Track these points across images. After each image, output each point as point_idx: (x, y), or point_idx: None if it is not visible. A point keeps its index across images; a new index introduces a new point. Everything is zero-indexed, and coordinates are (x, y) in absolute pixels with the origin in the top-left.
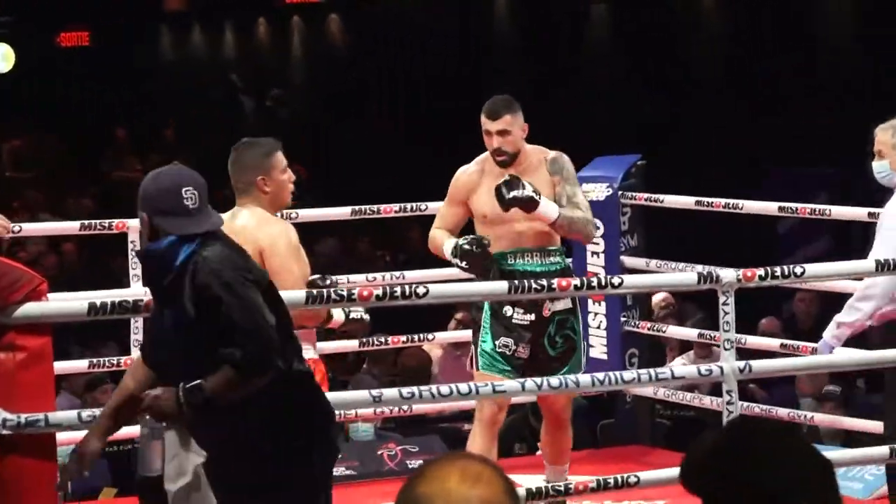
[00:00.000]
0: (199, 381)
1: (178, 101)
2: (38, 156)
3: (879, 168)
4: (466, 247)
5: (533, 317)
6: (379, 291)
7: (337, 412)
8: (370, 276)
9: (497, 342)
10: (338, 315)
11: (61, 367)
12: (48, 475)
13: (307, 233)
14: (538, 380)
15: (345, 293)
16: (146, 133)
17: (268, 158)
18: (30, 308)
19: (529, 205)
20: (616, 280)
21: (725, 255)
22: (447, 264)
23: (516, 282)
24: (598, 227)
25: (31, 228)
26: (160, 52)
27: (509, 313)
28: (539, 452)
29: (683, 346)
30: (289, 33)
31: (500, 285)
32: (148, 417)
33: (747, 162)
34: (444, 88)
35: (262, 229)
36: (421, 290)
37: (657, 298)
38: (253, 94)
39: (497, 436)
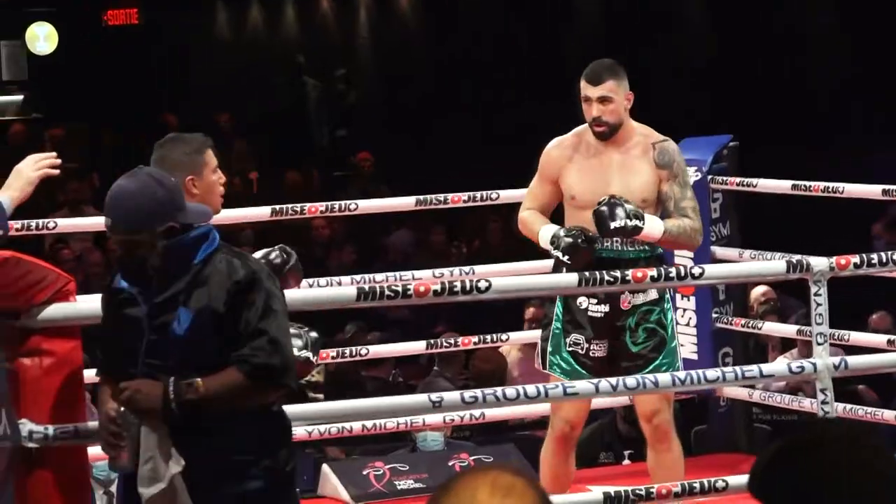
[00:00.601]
0: (194, 378)
1: (234, 84)
2: (82, 145)
3: None
4: (570, 240)
5: (607, 308)
6: (437, 286)
7: (403, 420)
8: (437, 271)
9: (568, 340)
10: None
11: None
12: (80, 492)
13: (377, 224)
14: (612, 380)
15: (400, 289)
16: (199, 120)
17: (198, 156)
18: (56, 309)
19: (633, 234)
20: (697, 270)
21: (829, 244)
22: (527, 256)
23: (587, 274)
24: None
25: (66, 224)
26: (215, 30)
27: (584, 305)
28: (626, 462)
29: (787, 345)
30: (355, 7)
31: (570, 278)
32: (122, 410)
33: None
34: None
35: None
36: (482, 284)
37: (756, 293)
38: (317, 76)
39: (572, 452)
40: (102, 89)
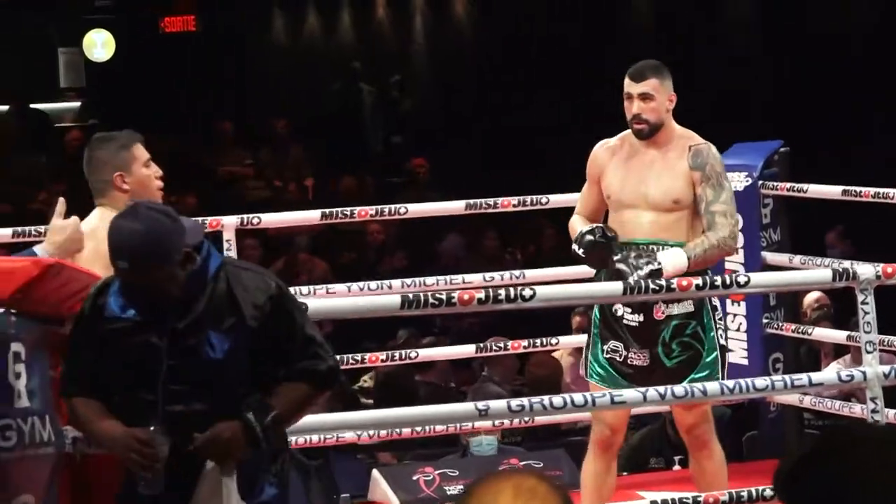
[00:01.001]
0: (273, 409)
1: (290, 90)
2: None
3: None
4: (589, 237)
5: (642, 318)
6: (481, 295)
7: (450, 426)
8: (487, 275)
9: (606, 346)
10: None
11: None
12: None
13: (429, 228)
14: (661, 389)
15: (444, 297)
16: (256, 125)
17: (125, 152)
18: None
19: (656, 277)
20: (742, 279)
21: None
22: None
23: (631, 282)
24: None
25: None
26: (272, 37)
27: (619, 312)
28: (676, 467)
29: (840, 351)
30: (410, 14)
31: (615, 286)
32: (154, 429)
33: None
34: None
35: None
36: (527, 292)
37: (809, 299)
38: (373, 82)
39: (614, 461)
40: (159, 96)
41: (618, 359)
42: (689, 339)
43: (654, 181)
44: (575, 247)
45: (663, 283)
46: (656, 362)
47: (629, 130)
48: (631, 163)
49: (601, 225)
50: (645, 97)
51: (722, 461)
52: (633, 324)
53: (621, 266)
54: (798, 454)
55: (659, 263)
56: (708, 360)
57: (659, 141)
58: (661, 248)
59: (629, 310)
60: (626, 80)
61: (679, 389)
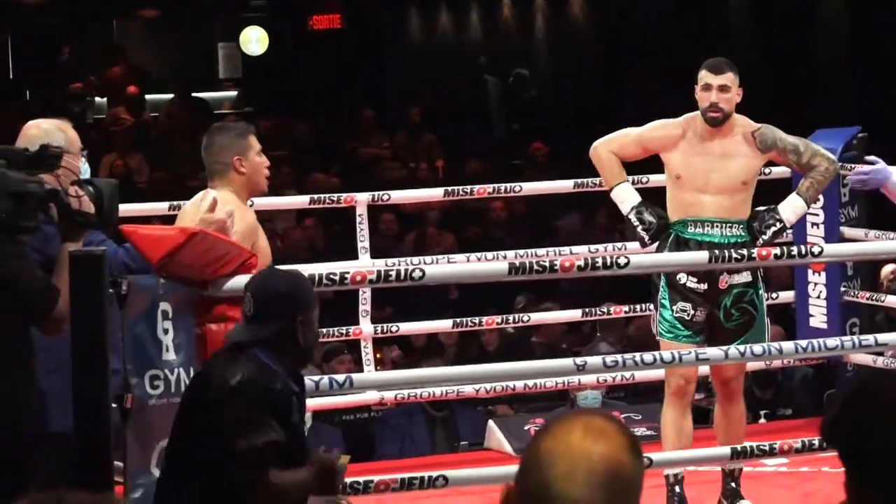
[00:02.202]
0: None
1: (424, 82)
2: (289, 135)
3: None
4: (650, 218)
5: (706, 286)
6: (580, 262)
7: (561, 380)
8: (593, 247)
9: (675, 307)
10: None
11: None
12: None
13: (549, 207)
14: (741, 347)
15: (547, 264)
16: (393, 114)
17: (243, 139)
18: (239, 280)
19: (778, 235)
20: (816, 249)
21: None
22: None
23: (716, 252)
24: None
25: (264, 203)
26: (408, 34)
27: (682, 280)
28: (762, 420)
29: None
30: (532, 14)
31: (701, 255)
32: None
33: None
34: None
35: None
36: (622, 260)
37: (886, 270)
38: (497, 75)
39: (689, 408)
40: (307, 86)
41: (686, 317)
42: (747, 306)
43: (721, 167)
44: (634, 219)
45: (744, 252)
46: (716, 324)
47: (690, 115)
48: (699, 149)
49: (650, 206)
50: (723, 88)
51: (744, 411)
52: (699, 290)
53: (755, 226)
54: (835, 407)
55: (780, 222)
56: (760, 325)
57: (724, 129)
58: (734, 228)
59: (693, 279)
60: (705, 72)
61: (758, 348)
